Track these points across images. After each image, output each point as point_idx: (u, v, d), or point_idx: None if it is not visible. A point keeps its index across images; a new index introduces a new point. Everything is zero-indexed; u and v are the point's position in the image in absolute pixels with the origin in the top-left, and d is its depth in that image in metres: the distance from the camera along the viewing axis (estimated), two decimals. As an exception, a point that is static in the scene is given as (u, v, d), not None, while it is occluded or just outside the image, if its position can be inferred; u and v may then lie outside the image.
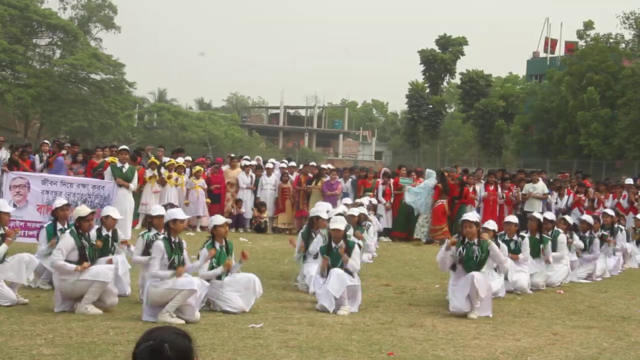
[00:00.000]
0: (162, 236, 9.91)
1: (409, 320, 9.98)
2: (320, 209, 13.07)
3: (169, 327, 3.82)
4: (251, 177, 22.55)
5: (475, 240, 10.73)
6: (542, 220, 14.01)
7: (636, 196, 21.15)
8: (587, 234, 15.60)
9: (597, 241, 15.56)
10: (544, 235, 13.91)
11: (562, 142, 47.37)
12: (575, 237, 15.16)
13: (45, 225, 11.69)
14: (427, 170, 22.85)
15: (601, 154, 43.69)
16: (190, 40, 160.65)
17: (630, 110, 42.99)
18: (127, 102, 58.42)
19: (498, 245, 12.03)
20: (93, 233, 10.62)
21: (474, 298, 10.47)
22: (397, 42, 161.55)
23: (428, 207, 21.36)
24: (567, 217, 15.53)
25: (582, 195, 21.53)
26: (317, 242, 11.72)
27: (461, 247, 10.73)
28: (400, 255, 18.08)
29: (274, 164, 23.68)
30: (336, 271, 10.47)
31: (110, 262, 10.40)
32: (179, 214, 10.03)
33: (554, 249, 13.96)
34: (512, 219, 13.60)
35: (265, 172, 22.72)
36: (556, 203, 21.64)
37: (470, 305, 10.50)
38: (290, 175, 22.73)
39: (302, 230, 13.03)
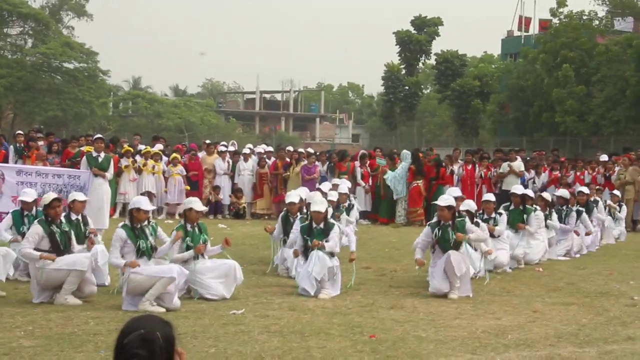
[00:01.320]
0: (121, 224, 9.82)
1: (389, 302, 10.01)
2: (294, 193, 13.01)
3: (155, 316, 3.80)
4: (228, 162, 22.48)
5: (450, 222, 10.76)
6: (523, 195, 14.14)
7: (611, 171, 21.33)
8: (563, 207, 15.74)
9: (573, 214, 15.71)
10: (528, 207, 14.05)
11: (538, 120, 47.60)
12: (554, 216, 15.25)
13: (10, 211, 11.73)
14: (403, 151, 22.82)
15: (577, 130, 43.96)
16: (164, 27, 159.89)
17: (605, 86, 43.28)
18: (101, 90, 58.12)
19: (477, 225, 12.12)
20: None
21: (452, 276, 10.51)
22: (372, 24, 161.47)
23: (406, 190, 21.39)
24: (545, 194, 15.62)
25: (557, 172, 21.68)
26: (296, 229, 11.62)
27: (437, 229, 10.78)
28: (380, 238, 18.12)
29: (250, 149, 23.59)
30: (317, 253, 10.46)
31: (92, 243, 10.45)
32: (144, 203, 9.95)
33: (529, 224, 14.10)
34: (490, 197, 13.63)
35: (242, 158, 22.65)
36: (534, 182, 21.76)
37: (450, 285, 10.55)
38: (267, 160, 22.68)
39: (281, 214, 13.00)
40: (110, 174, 16.88)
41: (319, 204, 10.95)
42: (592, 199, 17.24)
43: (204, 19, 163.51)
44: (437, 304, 10.01)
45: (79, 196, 11.26)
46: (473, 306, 9.90)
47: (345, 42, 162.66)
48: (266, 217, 21.81)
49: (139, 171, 20.77)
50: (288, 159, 22.35)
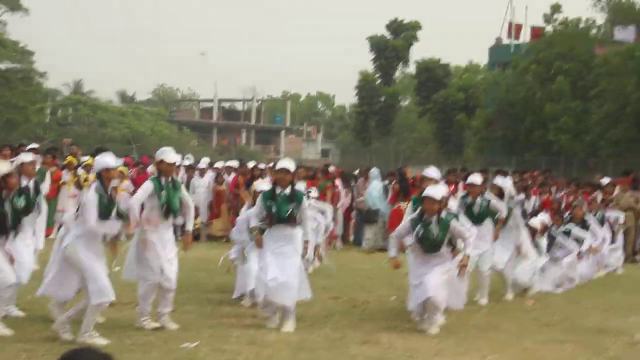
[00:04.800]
0: (94, 185, 9.61)
1: (362, 337, 10.01)
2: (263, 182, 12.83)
3: (93, 349, 3.77)
4: (182, 178, 22.37)
5: (434, 218, 10.70)
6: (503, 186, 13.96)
7: (611, 196, 21.45)
8: (545, 235, 15.60)
9: (559, 238, 15.63)
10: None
11: (529, 139, 47.94)
12: (542, 241, 15.24)
13: None
14: (372, 170, 22.86)
15: (572, 151, 44.31)
16: (110, 23, 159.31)
17: (604, 102, 43.64)
18: (37, 94, 57.72)
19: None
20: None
21: (431, 313, 10.53)
22: (344, 27, 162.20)
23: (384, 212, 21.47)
24: (531, 221, 15.46)
25: (547, 195, 21.79)
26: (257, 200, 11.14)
27: (419, 226, 10.72)
28: (351, 265, 18.13)
29: (207, 163, 23.53)
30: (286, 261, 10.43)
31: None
32: (110, 161, 9.76)
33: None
34: (477, 178, 13.49)
35: (197, 173, 22.58)
36: (522, 205, 21.84)
37: (430, 317, 10.55)
38: (226, 176, 22.62)
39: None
40: (45, 188, 16.77)
41: (286, 162, 10.79)
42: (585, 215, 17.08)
43: (157, 15, 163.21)
44: (415, 339, 10.02)
45: (27, 157, 11.25)
46: (456, 342, 9.93)
47: (315, 46, 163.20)
48: (224, 240, 21.71)
49: (79, 186, 20.60)
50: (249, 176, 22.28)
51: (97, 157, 10.01)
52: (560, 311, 12.71)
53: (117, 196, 20.77)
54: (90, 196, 9.43)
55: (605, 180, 22.65)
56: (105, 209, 9.41)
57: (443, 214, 10.77)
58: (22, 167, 11.04)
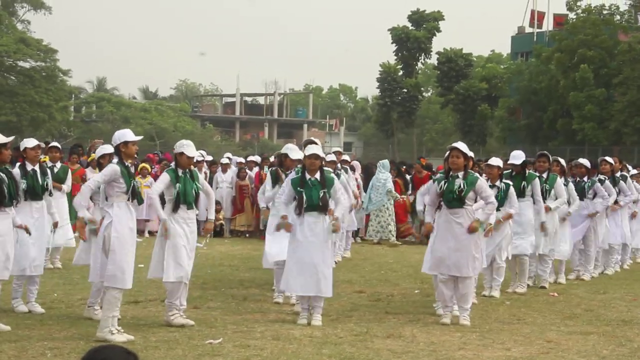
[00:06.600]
0: (115, 160, 9.57)
1: (385, 331, 10.02)
2: (291, 146, 12.62)
3: (117, 347, 3.79)
4: (205, 174, 22.46)
5: (461, 174, 10.58)
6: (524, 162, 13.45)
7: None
8: (585, 179, 15.06)
9: (605, 184, 15.03)
10: (531, 172, 13.45)
11: (553, 127, 47.78)
12: (571, 185, 14.44)
13: None
14: (382, 161, 22.81)
15: (596, 139, 44.10)
16: (131, 21, 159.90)
17: (628, 89, 43.41)
18: (61, 92, 57.99)
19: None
20: (16, 171, 10.63)
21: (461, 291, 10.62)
22: (366, 19, 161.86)
23: (379, 204, 21.27)
24: (561, 159, 14.73)
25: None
26: (284, 186, 11.04)
27: (443, 181, 10.62)
28: (375, 258, 18.15)
29: (230, 159, 23.61)
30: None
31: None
32: (128, 135, 9.74)
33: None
34: (496, 161, 13.19)
35: (220, 169, 22.65)
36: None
37: (459, 305, 10.61)
38: (248, 171, 22.66)
39: (270, 169, 12.84)
40: (67, 186, 16.87)
41: (315, 149, 10.64)
42: (619, 173, 16.39)
43: (178, 12, 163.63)
44: (439, 332, 10.02)
45: (30, 142, 11.31)
46: (480, 335, 9.91)
47: (336, 39, 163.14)
48: (247, 235, 21.79)
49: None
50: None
51: (119, 135, 9.86)
52: (584, 303, 12.65)
53: (142, 193, 20.98)
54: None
55: (633, 172, 22.34)
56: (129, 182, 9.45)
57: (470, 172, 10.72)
58: (25, 152, 11.19)
